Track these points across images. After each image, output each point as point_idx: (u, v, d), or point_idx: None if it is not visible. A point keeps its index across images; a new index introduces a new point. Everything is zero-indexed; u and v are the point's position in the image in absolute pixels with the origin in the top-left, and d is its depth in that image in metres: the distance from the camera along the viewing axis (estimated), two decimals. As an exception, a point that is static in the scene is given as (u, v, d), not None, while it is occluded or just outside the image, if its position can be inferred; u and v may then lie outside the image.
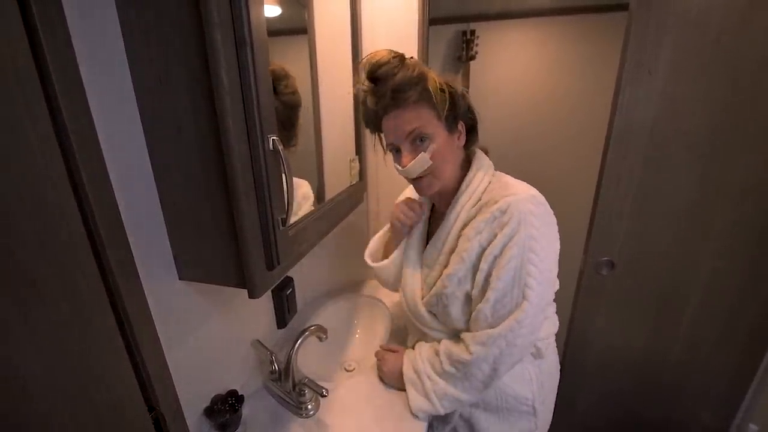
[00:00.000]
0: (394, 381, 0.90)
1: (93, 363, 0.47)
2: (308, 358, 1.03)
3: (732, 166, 1.14)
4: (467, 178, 0.80)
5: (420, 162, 0.73)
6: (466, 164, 0.84)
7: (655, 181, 1.19)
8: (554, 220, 0.76)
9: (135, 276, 0.55)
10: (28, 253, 0.39)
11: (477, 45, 2.11)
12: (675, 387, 1.43)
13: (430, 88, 0.71)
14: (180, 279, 0.66)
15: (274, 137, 0.56)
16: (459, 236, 0.79)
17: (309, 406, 0.87)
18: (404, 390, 0.86)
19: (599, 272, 1.32)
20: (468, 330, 0.79)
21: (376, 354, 1.00)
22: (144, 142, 0.57)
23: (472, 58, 2.11)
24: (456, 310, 0.80)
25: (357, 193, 1.17)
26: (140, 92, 0.54)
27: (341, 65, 1.11)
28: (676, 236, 1.24)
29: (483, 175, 0.80)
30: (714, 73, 1.07)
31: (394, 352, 0.96)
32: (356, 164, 1.18)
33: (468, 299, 0.78)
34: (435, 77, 0.73)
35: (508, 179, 0.81)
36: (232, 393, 0.83)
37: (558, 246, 0.77)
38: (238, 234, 0.56)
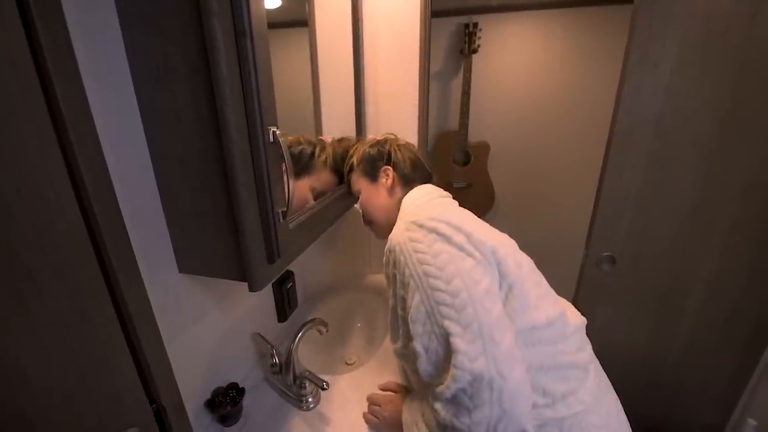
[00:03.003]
0: (394, 430, 0.77)
1: (93, 355, 0.47)
2: (309, 352, 1.04)
3: (737, 162, 1.12)
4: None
5: (357, 207, 0.94)
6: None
7: (658, 176, 1.18)
8: (453, 236, 0.61)
9: (135, 268, 0.54)
10: (26, 246, 0.39)
11: (479, 38, 2.09)
12: (675, 383, 1.43)
13: (353, 164, 0.91)
14: (180, 272, 0.66)
15: (275, 129, 0.56)
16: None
17: (309, 399, 0.87)
18: None
19: (600, 267, 1.31)
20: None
21: (369, 398, 0.87)
22: (143, 133, 0.56)
23: (475, 51, 2.09)
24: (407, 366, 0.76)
25: (358, 187, 1.17)
26: (139, 83, 0.54)
27: (342, 58, 1.09)
28: (679, 233, 1.23)
29: (403, 211, 0.78)
30: (721, 68, 1.06)
31: (387, 394, 0.87)
32: (357, 158, 1.17)
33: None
34: (357, 155, 0.90)
35: (425, 206, 0.75)
36: (233, 386, 0.84)
37: (473, 262, 0.60)
38: (238, 227, 0.56)
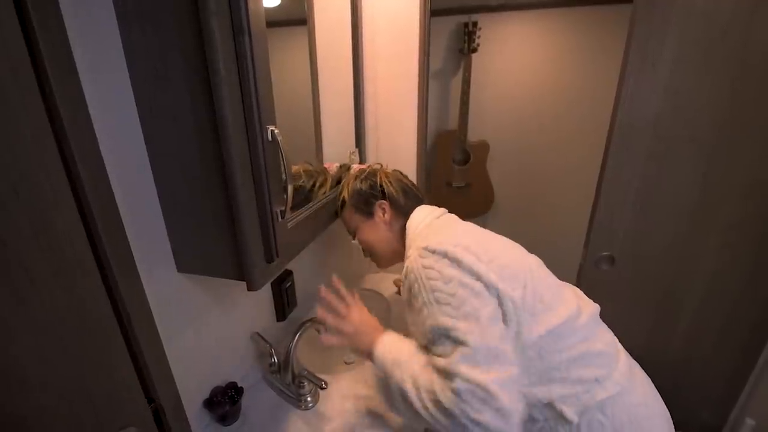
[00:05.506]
0: (361, 338, 0.75)
1: (91, 355, 0.47)
2: (308, 351, 1.03)
3: (736, 162, 1.12)
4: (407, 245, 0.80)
5: (355, 247, 0.94)
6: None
7: (657, 175, 1.18)
8: (463, 258, 0.63)
9: (133, 267, 0.54)
10: (23, 245, 0.38)
11: (479, 37, 2.09)
12: (673, 383, 1.43)
13: (345, 199, 0.89)
14: (178, 271, 0.66)
15: (273, 128, 0.56)
16: None
17: (308, 399, 0.87)
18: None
19: (599, 267, 1.31)
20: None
21: (321, 313, 0.79)
22: (141, 133, 0.56)
23: (474, 50, 2.09)
24: None
25: (357, 186, 1.17)
26: (137, 82, 0.54)
27: (341, 57, 1.09)
28: (678, 232, 1.23)
29: (412, 238, 0.78)
30: (720, 67, 1.05)
31: (342, 302, 0.81)
32: (356, 156, 1.17)
33: None
34: (347, 189, 0.89)
35: (431, 229, 0.76)
36: (232, 385, 0.84)
37: (481, 285, 0.61)
38: (236, 226, 0.56)
